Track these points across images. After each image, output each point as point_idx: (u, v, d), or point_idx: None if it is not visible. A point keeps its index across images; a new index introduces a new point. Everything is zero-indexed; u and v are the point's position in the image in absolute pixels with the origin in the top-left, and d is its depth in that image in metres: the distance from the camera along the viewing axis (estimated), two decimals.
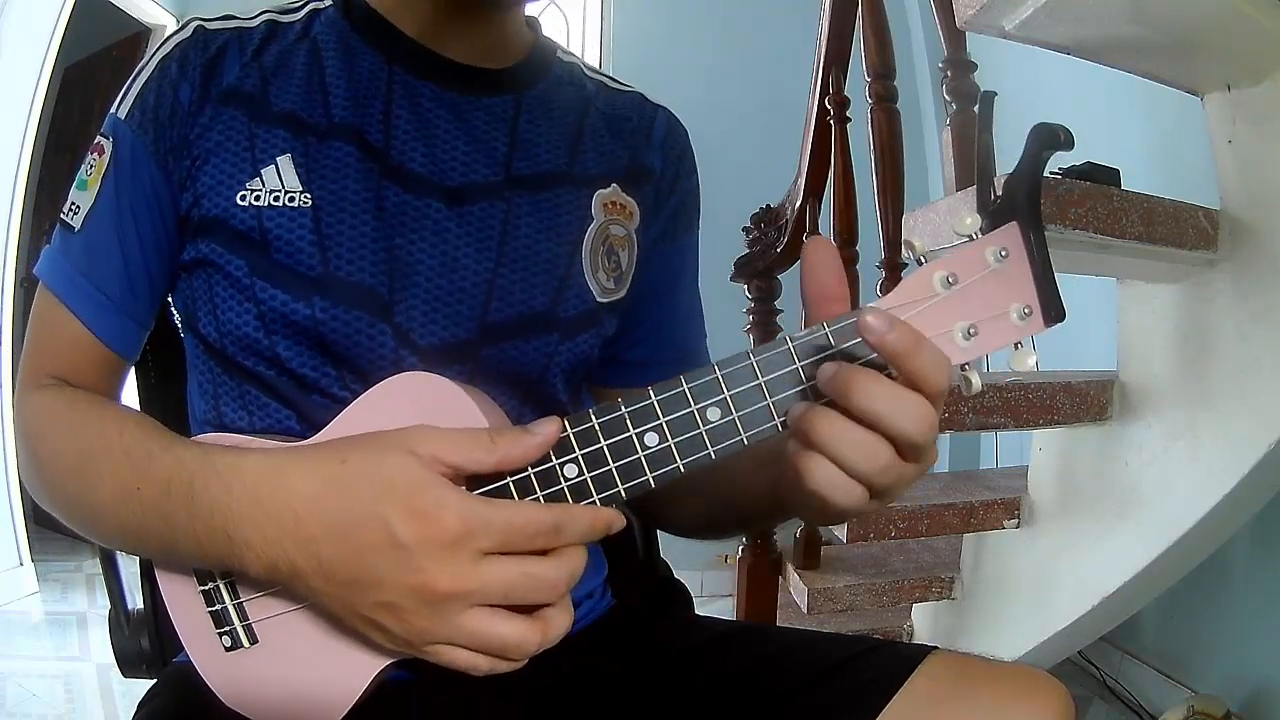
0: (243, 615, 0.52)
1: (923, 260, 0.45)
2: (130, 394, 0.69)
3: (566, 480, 0.47)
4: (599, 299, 0.66)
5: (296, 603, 0.51)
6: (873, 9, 1.56)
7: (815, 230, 1.81)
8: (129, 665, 0.74)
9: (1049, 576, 1.45)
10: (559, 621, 0.46)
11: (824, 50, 1.76)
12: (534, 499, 0.47)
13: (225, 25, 0.63)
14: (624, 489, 0.46)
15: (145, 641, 0.74)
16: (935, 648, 0.60)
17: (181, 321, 0.65)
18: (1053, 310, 0.45)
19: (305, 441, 0.52)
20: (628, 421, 0.46)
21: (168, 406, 0.72)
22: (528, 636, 0.45)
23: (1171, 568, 1.33)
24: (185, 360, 0.66)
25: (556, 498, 0.47)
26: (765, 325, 1.93)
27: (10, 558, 2.78)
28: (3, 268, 2.74)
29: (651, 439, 0.46)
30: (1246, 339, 1.16)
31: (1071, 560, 1.41)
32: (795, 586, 1.62)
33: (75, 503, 0.55)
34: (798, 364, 0.45)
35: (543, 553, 0.45)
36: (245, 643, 0.52)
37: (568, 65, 0.73)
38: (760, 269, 1.93)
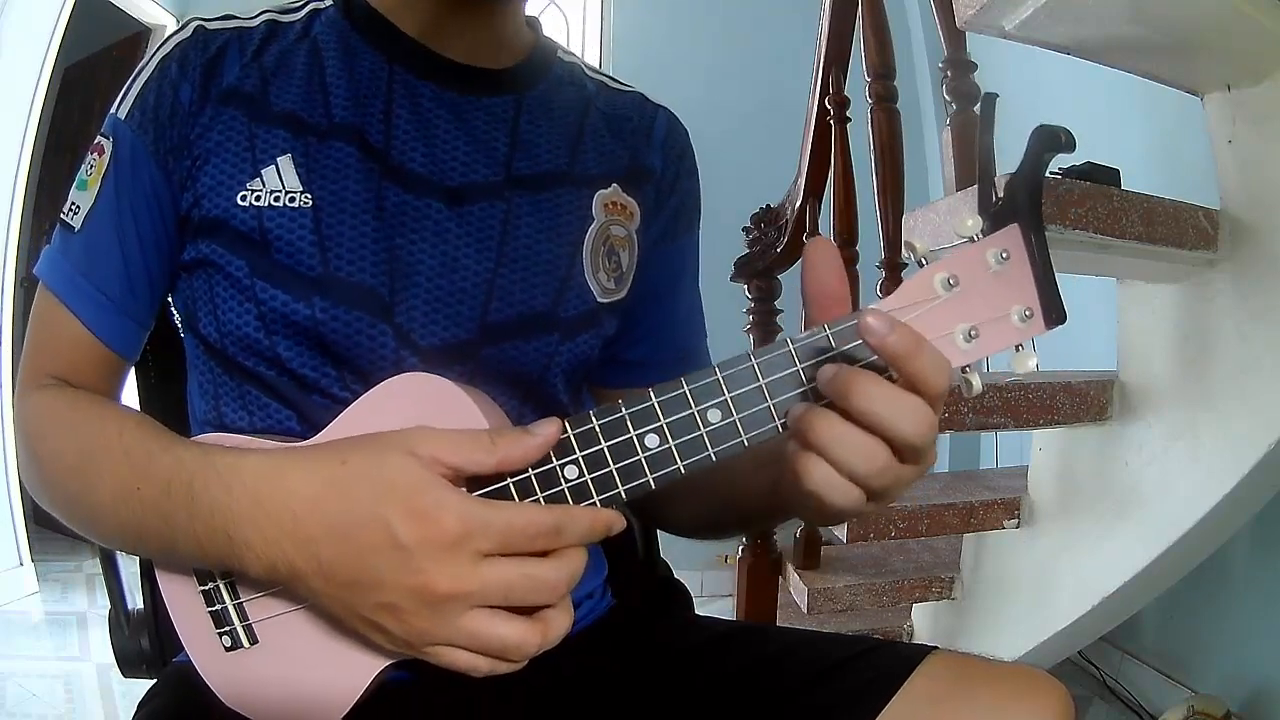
0: (243, 615, 0.52)
1: (924, 262, 0.45)
2: (130, 394, 0.69)
3: (567, 481, 0.47)
4: (599, 299, 0.66)
5: (296, 603, 0.51)
6: (873, 9, 1.56)
7: (815, 230, 1.81)
8: (129, 665, 0.74)
9: (1049, 576, 1.45)
10: (559, 623, 0.46)
11: (824, 50, 1.76)
12: (534, 500, 0.47)
13: (225, 25, 0.62)
14: (624, 490, 0.46)
15: (145, 641, 0.74)
16: (935, 648, 0.60)
17: (182, 321, 0.65)
18: (1054, 312, 0.45)
19: (305, 442, 0.52)
20: (628, 423, 0.46)
21: (168, 406, 0.72)
22: (528, 638, 0.45)
23: (1171, 568, 1.33)
24: (185, 360, 0.66)
25: (557, 499, 0.47)
26: (765, 325, 1.93)
27: (10, 558, 2.78)
28: (3, 268, 2.74)
29: (652, 440, 0.46)
30: (1246, 339, 1.16)
31: (1071, 560, 1.41)
32: (795, 586, 1.62)
33: (75, 502, 0.55)
34: (799, 366, 0.45)
35: (543, 554, 0.45)
36: (245, 643, 0.52)
37: (568, 65, 0.73)
38: (760, 269, 1.93)
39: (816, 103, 1.79)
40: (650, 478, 0.46)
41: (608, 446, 0.46)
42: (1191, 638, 1.88)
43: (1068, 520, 1.43)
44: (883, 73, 1.53)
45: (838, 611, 1.58)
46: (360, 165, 0.60)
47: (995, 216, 0.45)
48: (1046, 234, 0.45)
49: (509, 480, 0.47)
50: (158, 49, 0.62)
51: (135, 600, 0.75)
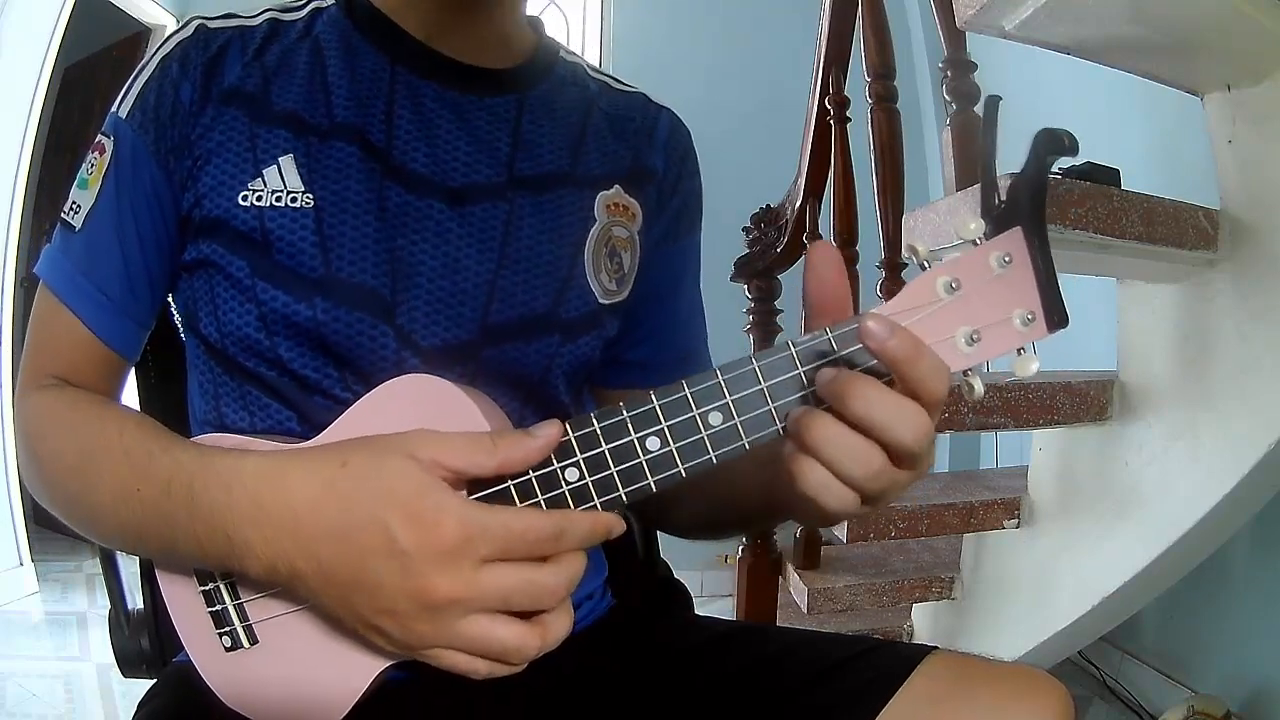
0: (243, 616, 0.52)
1: (926, 265, 0.45)
2: (130, 394, 0.69)
3: (568, 484, 0.46)
4: (601, 300, 0.66)
5: (297, 604, 0.51)
6: (873, 9, 1.56)
7: (815, 230, 1.81)
8: (129, 665, 0.74)
9: (1049, 576, 1.45)
10: (559, 626, 0.46)
11: (824, 50, 1.76)
12: (535, 503, 0.47)
13: (227, 24, 0.62)
14: (625, 493, 0.46)
15: (145, 641, 0.74)
16: (935, 648, 0.60)
17: (182, 322, 0.65)
18: (1056, 316, 0.44)
19: (306, 443, 0.52)
20: (629, 425, 0.46)
21: (168, 407, 0.72)
22: (527, 641, 0.45)
23: (1171, 568, 1.33)
24: (185, 360, 0.66)
25: (558, 501, 0.47)
26: (765, 325, 1.93)
27: (10, 558, 2.78)
28: (3, 268, 2.74)
29: (653, 443, 0.46)
30: (1246, 339, 1.16)
31: (1071, 560, 1.41)
32: (795, 586, 1.62)
33: (75, 502, 0.55)
34: (800, 369, 0.45)
35: (543, 558, 0.45)
36: (245, 643, 0.52)
37: (571, 65, 0.73)
38: (760, 269, 1.93)
39: (816, 103, 1.79)
40: (651, 480, 0.46)
41: (609, 449, 0.46)
42: (1191, 638, 1.88)
43: (1068, 520, 1.43)
44: (883, 73, 1.53)
45: (838, 611, 1.58)
46: (362, 165, 0.60)
47: (998, 219, 0.45)
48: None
49: (509, 482, 0.47)
50: (159, 47, 0.62)
51: (135, 600, 0.75)
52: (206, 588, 0.53)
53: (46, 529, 3.01)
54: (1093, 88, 1.93)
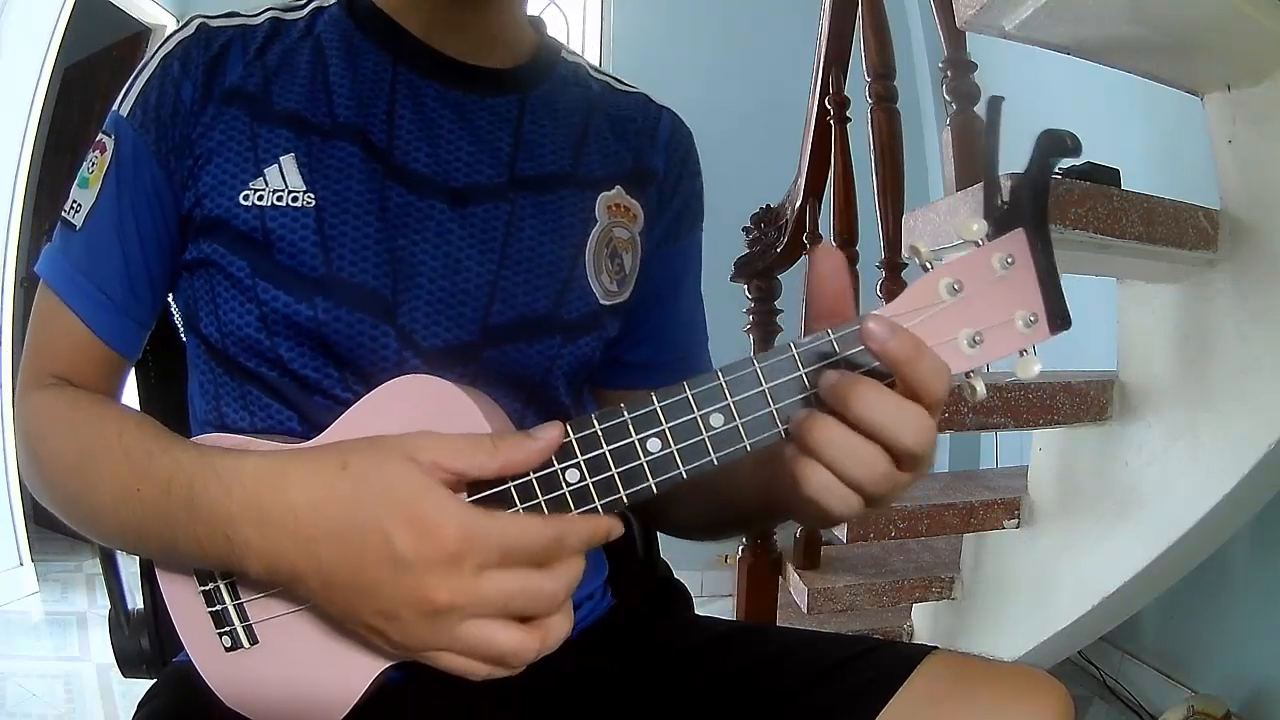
0: (243, 616, 0.52)
1: (928, 266, 0.45)
2: (130, 394, 0.69)
3: (568, 485, 0.46)
4: (602, 301, 0.66)
5: (297, 604, 0.51)
6: (873, 9, 1.56)
7: (815, 230, 1.81)
8: (129, 665, 0.74)
9: (1049, 576, 1.45)
10: (558, 629, 0.46)
11: (824, 50, 1.76)
12: (535, 504, 0.47)
13: (229, 23, 0.62)
14: (626, 494, 0.46)
15: (145, 641, 0.74)
16: (935, 648, 0.60)
17: (183, 321, 0.65)
18: (1058, 318, 0.44)
19: (306, 443, 0.52)
20: (630, 427, 0.46)
21: (168, 407, 0.72)
22: (526, 645, 0.45)
23: (1171, 568, 1.33)
24: (185, 360, 0.66)
25: (558, 502, 0.47)
26: (765, 325, 1.93)
27: (10, 558, 2.78)
28: (3, 268, 2.74)
29: (654, 444, 0.46)
30: (1246, 339, 1.16)
31: (1071, 560, 1.41)
32: (795, 586, 1.62)
33: (75, 502, 0.55)
34: (802, 371, 0.45)
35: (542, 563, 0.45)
36: (245, 643, 0.52)
37: (572, 66, 0.72)
38: (760, 269, 1.93)
39: (816, 103, 1.79)
40: (652, 482, 0.46)
41: (610, 450, 0.46)
42: (1191, 638, 1.88)
43: (1068, 520, 1.43)
44: (883, 73, 1.53)
45: (838, 611, 1.58)
46: (363, 165, 0.60)
47: (1000, 221, 0.45)
48: None
49: (510, 484, 0.46)
50: (160, 46, 0.62)
51: (135, 600, 0.75)
52: (206, 588, 0.53)
53: (46, 529, 3.01)
54: (1093, 88, 1.93)
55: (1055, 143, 0.43)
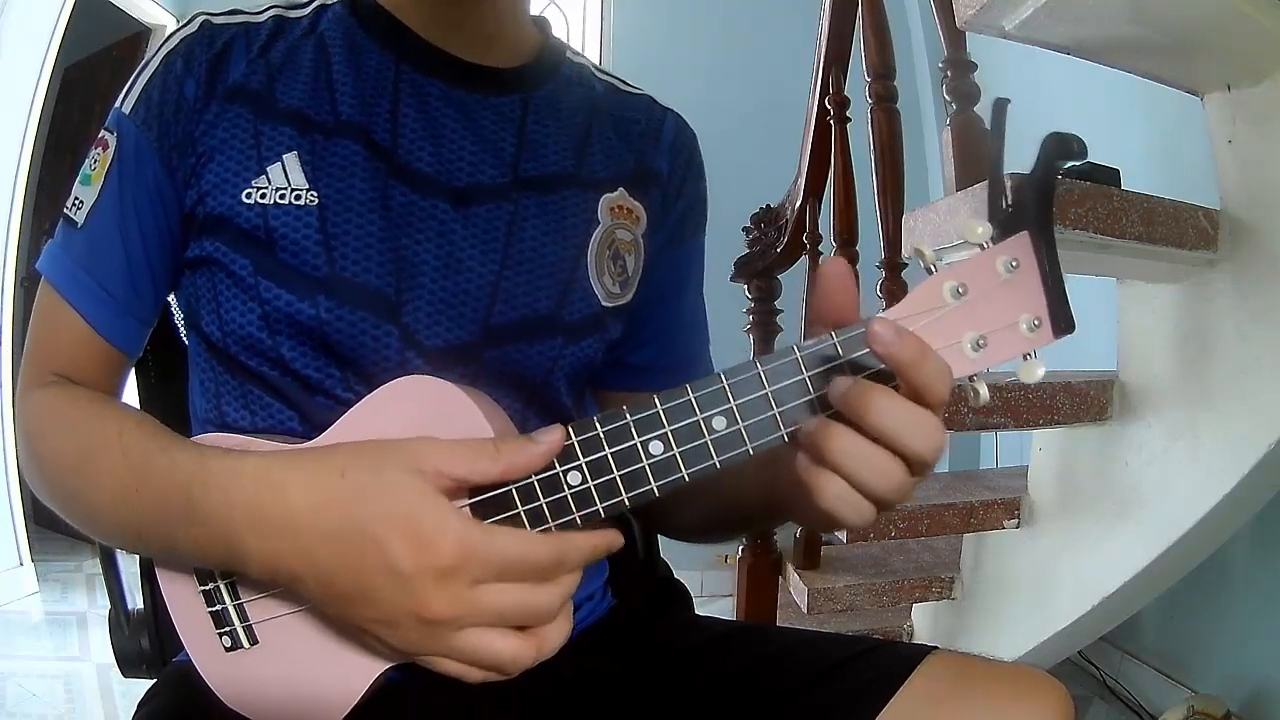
0: (243, 616, 0.52)
1: (932, 269, 0.45)
2: (130, 394, 0.69)
3: (570, 488, 0.46)
4: (604, 303, 0.66)
5: (297, 605, 0.51)
6: (873, 9, 1.56)
7: (815, 230, 1.81)
8: (129, 665, 0.74)
9: (1049, 576, 1.45)
10: (555, 637, 0.46)
11: (824, 50, 1.76)
12: (537, 506, 0.46)
13: (232, 20, 0.62)
14: (628, 497, 0.46)
15: (145, 641, 0.74)
16: (935, 648, 0.60)
17: (184, 320, 0.65)
18: (1062, 322, 0.44)
19: (307, 444, 0.52)
20: (632, 430, 0.46)
21: (168, 406, 0.72)
22: (522, 653, 0.45)
23: (1171, 568, 1.33)
24: (185, 359, 0.66)
25: (560, 505, 0.46)
26: (765, 325, 1.93)
27: (10, 558, 2.78)
28: (3, 267, 2.74)
29: (656, 447, 0.45)
30: (1246, 339, 1.16)
31: (1071, 560, 1.41)
32: (795, 586, 1.62)
33: (75, 500, 0.55)
34: (805, 374, 0.45)
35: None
36: (245, 643, 0.52)
37: (577, 66, 0.72)
38: (760, 269, 1.93)
39: (816, 103, 1.79)
40: (654, 485, 0.46)
41: (612, 453, 0.46)
42: (1191, 638, 1.88)
43: (1068, 520, 1.43)
44: (883, 73, 1.53)
45: (838, 611, 1.58)
46: (366, 164, 0.60)
47: (1005, 224, 0.45)
48: None
49: (511, 487, 0.46)
50: (164, 43, 0.61)
51: (135, 600, 0.75)
52: (206, 588, 0.53)
53: (46, 529, 3.01)
54: (1093, 88, 1.93)
55: (1061, 146, 0.43)
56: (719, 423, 0.45)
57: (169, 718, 0.59)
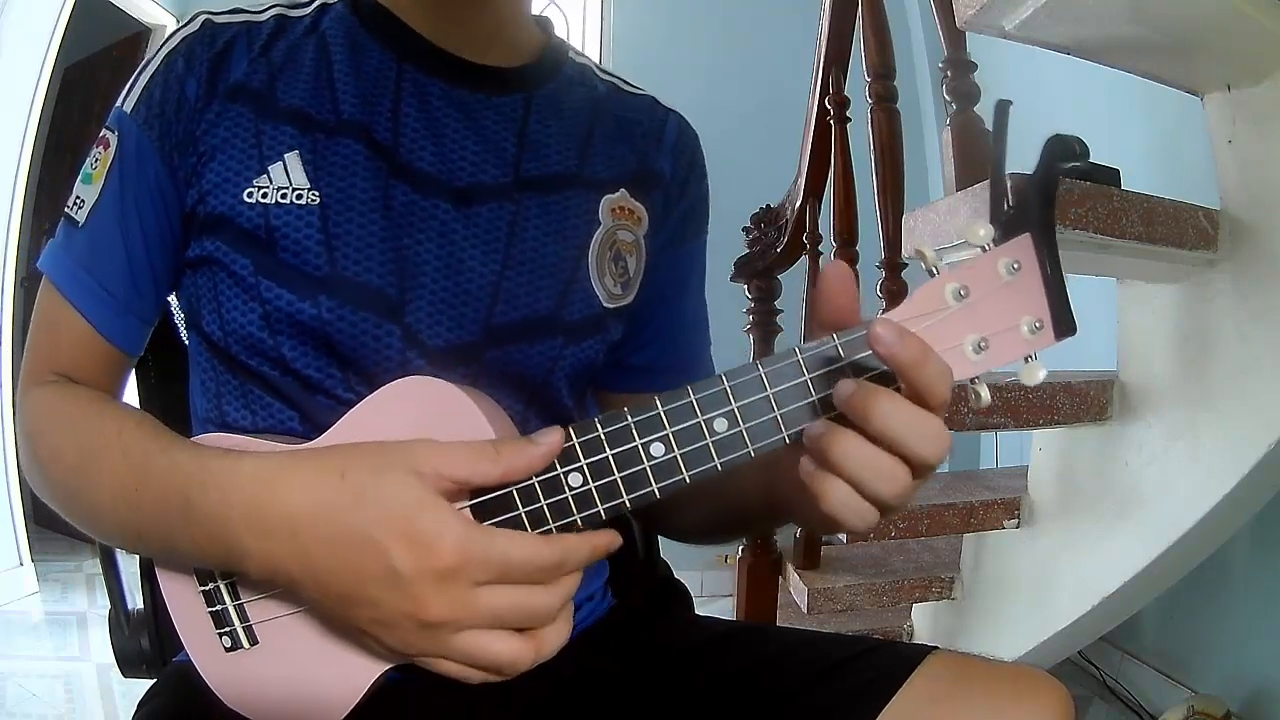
0: (243, 616, 0.52)
1: (934, 271, 0.45)
2: (130, 394, 0.69)
3: (571, 489, 0.46)
4: (605, 304, 0.66)
5: (297, 605, 0.51)
6: (873, 9, 1.56)
7: (815, 230, 1.81)
8: (129, 665, 0.74)
9: (1049, 576, 1.45)
10: (554, 638, 0.46)
11: (824, 50, 1.76)
12: (537, 507, 0.46)
13: (233, 19, 0.62)
14: (629, 499, 0.46)
15: (145, 641, 0.74)
16: (935, 648, 0.60)
17: (185, 319, 0.65)
18: (1064, 325, 0.44)
19: (307, 444, 0.52)
20: (633, 431, 0.45)
21: (168, 406, 0.72)
22: (522, 654, 0.45)
23: (1171, 568, 1.33)
24: (186, 359, 0.66)
25: (560, 506, 0.46)
26: (765, 325, 1.93)
27: (10, 558, 2.77)
28: (3, 267, 2.74)
29: (657, 449, 0.45)
30: (1246, 339, 1.16)
31: (1071, 560, 1.41)
32: (795, 586, 1.62)
33: (75, 500, 0.55)
34: (806, 376, 0.45)
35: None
36: (245, 644, 0.52)
37: (579, 66, 0.72)
38: (760, 269, 1.93)
39: (816, 103, 1.79)
40: (655, 487, 0.46)
41: (612, 455, 0.46)
42: (1191, 638, 1.88)
43: (1068, 520, 1.43)
44: (883, 73, 1.53)
45: (838, 611, 1.58)
46: (368, 163, 0.60)
47: (1007, 226, 0.45)
48: None
49: (512, 488, 0.46)
50: (165, 42, 0.61)
51: (135, 600, 0.75)
52: (207, 588, 0.53)
53: (46, 529, 3.01)
54: (1093, 88, 1.93)
55: (1064, 148, 0.43)
56: (720, 424, 0.45)
57: (169, 718, 0.59)
